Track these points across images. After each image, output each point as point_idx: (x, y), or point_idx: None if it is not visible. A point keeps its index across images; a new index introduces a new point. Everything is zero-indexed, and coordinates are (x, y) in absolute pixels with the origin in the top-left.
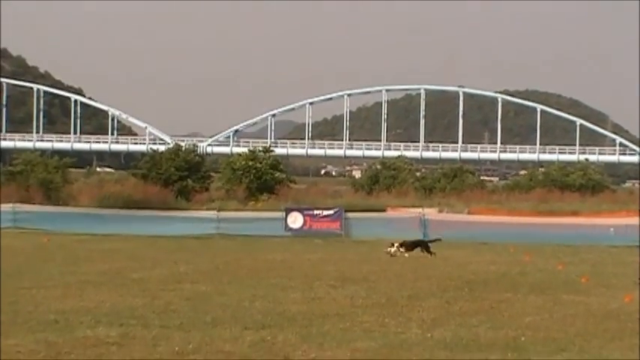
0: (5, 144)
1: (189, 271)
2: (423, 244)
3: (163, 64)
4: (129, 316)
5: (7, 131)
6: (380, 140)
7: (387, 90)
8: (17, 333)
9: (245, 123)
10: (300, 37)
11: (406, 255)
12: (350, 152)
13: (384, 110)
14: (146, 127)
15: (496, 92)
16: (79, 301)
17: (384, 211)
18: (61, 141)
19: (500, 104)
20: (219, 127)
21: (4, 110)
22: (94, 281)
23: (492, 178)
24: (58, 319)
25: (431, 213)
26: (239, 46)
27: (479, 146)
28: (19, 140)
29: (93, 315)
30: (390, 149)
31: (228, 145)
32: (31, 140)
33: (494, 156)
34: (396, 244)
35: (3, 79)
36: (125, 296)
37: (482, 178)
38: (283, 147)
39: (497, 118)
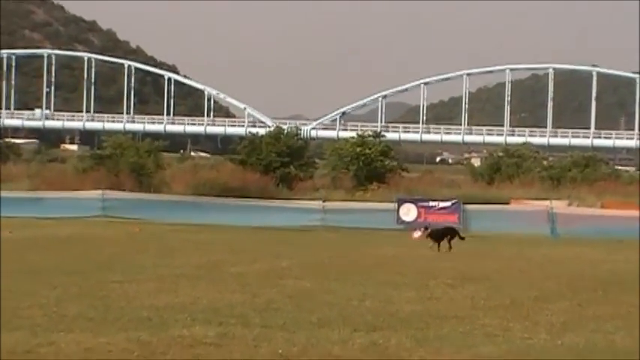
0: (93, 125)
1: (292, 266)
2: (451, 232)
3: (265, 43)
4: (228, 314)
5: (95, 111)
6: (502, 125)
7: (512, 69)
8: (108, 330)
9: (353, 105)
10: (414, 11)
11: (430, 245)
12: (469, 138)
13: (508, 92)
14: (245, 109)
15: (634, 72)
16: (174, 297)
17: (507, 203)
18: (154, 122)
19: (638, 85)
20: (325, 110)
21: (92, 89)
22: (190, 275)
23: (628, 168)
24: (152, 316)
25: (559, 206)
26: (347, 23)
27: (614, 132)
28: (108, 121)
29: (189, 312)
30: (513, 135)
31: (334, 129)
32: (121, 121)
33: (631, 143)
34: (421, 230)
35: (92, 55)
36: (223, 292)
37: (617, 167)
38: (395, 131)
39: (635, 101)
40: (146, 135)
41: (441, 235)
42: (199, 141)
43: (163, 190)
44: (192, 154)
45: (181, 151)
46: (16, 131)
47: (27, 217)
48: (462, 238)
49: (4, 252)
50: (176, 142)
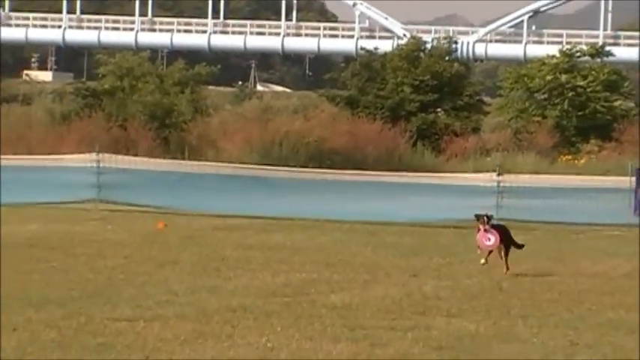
0: (80, 35)
1: (442, 291)
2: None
3: None
4: None
5: (83, 12)
6: None
7: None
8: None
9: None
10: None
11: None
12: None
13: None
14: (355, 5)
15: None
16: (226, 349)
17: None
18: (189, 31)
19: None
20: (501, 7)
21: None
22: (255, 308)
23: None
24: None
25: None
26: None
27: None
28: (106, 29)
29: None
30: None
31: (518, 42)
32: (131, 29)
33: None
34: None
35: None
36: (316, 340)
37: None
38: (631, 44)
39: None
40: (175, 54)
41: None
42: (272, 65)
43: (207, 154)
44: (260, 87)
45: (240, 82)
46: None
47: None
48: (520, 247)
49: None
50: (230, 68)
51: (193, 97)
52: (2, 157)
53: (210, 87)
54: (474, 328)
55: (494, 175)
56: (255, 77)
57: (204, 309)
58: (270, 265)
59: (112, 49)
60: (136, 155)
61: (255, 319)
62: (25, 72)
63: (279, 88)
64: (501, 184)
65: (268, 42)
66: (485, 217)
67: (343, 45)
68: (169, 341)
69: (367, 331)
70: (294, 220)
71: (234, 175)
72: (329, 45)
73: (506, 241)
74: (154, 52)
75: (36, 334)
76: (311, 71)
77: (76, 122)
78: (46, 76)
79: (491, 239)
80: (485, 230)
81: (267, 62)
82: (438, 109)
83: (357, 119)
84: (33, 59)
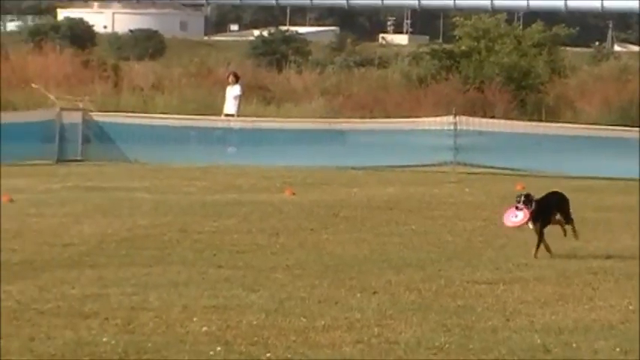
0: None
1: None
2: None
3: None
4: None
5: None
6: None
7: None
8: None
9: None
10: None
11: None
12: None
13: None
14: None
15: None
16: (588, 310)
17: None
18: None
19: None
20: None
21: None
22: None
23: None
24: None
25: None
26: None
27: None
28: None
29: None
30: None
31: None
32: None
33: None
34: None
35: None
36: None
37: None
38: None
39: None
40: (531, 15)
41: (547, 209)
42: (630, 24)
43: (565, 115)
44: (618, 47)
45: (597, 43)
46: (300, 12)
47: (315, 167)
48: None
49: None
50: (587, 28)
51: (551, 59)
52: (359, 120)
53: (567, 48)
54: None
55: None
56: (612, 37)
57: (564, 271)
58: (630, 226)
59: (467, 11)
60: (492, 117)
61: (616, 282)
62: (382, 35)
63: (637, 48)
64: None
65: (625, 2)
66: (522, 196)
67: None
68: (529, 304)
69: None
70: None
71: (591, 136)
72: None
73: (563, 211)
74: (509, 13)
75: (396, 296)
76: None
77: (432, 85)
78: (401, 39)
79: (519, 215)
80: (516, 208)
81: (625, 22)
82: None
83: None
84: (389, 23)
